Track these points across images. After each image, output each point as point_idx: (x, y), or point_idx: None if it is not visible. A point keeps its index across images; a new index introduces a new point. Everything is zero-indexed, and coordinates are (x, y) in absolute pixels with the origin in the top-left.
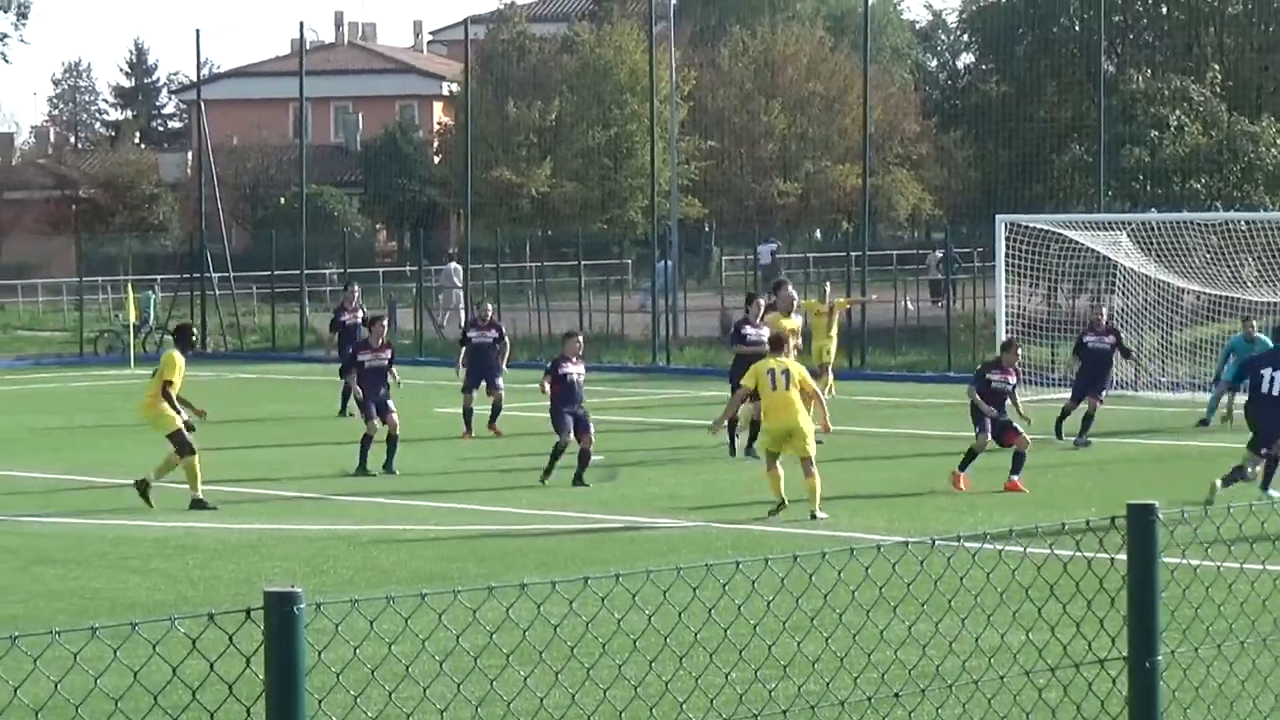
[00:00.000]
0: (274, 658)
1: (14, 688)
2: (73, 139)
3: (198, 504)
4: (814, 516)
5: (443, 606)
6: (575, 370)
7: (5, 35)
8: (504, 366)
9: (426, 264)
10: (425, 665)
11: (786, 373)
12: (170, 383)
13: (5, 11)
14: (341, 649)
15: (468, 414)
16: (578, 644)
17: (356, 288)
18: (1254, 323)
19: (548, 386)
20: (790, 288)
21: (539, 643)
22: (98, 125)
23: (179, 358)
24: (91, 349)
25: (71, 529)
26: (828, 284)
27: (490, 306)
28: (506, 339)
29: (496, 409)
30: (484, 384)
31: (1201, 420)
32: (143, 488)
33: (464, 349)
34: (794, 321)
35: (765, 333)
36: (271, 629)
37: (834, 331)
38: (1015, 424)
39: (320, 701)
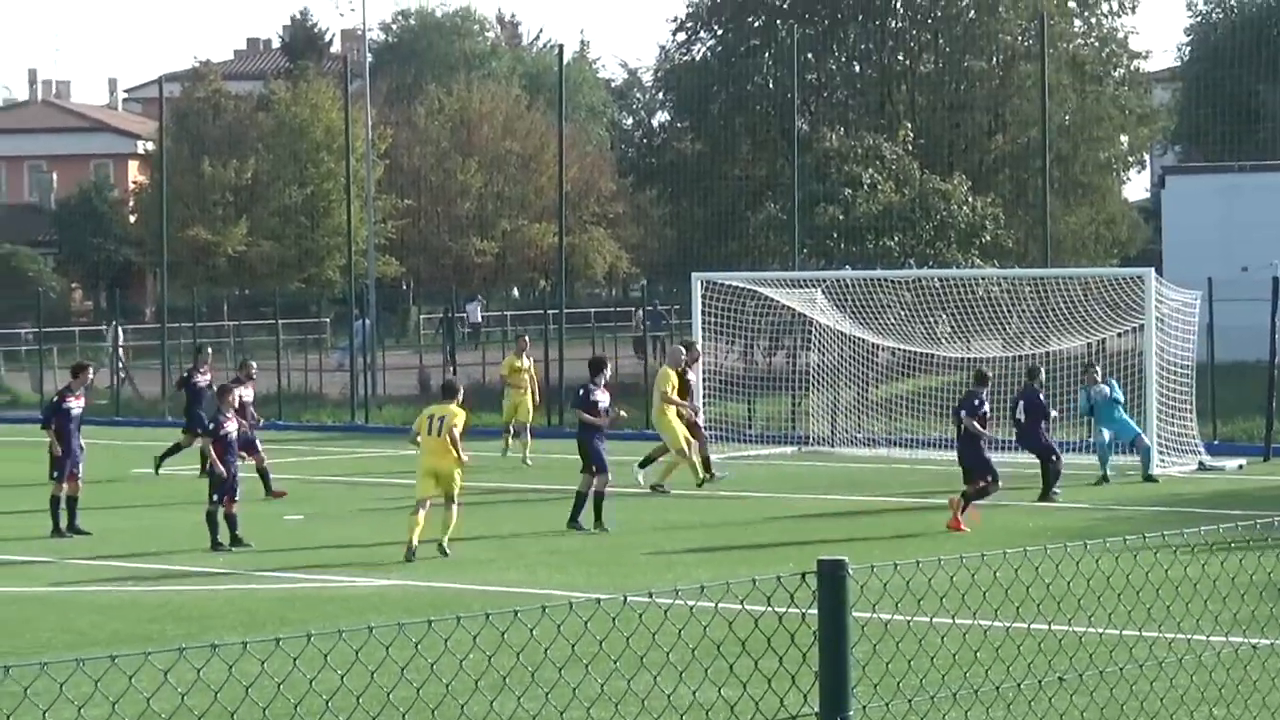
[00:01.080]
0: None
1: None
2: None
3: None
4: (442, 549)
5: (134, 668)
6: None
7: None
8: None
9: (124, 323)
10: None
11: (442, 419)
12: None
13: None
14: (30, 713)
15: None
16: (270, 704)
17: (209, 349)
18: (1097, 370)
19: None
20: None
21: (231, 704)
22: None
23: None
24: None
25: None
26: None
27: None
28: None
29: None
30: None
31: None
32: None
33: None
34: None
35: (607, 397)
36: None
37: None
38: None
39: None
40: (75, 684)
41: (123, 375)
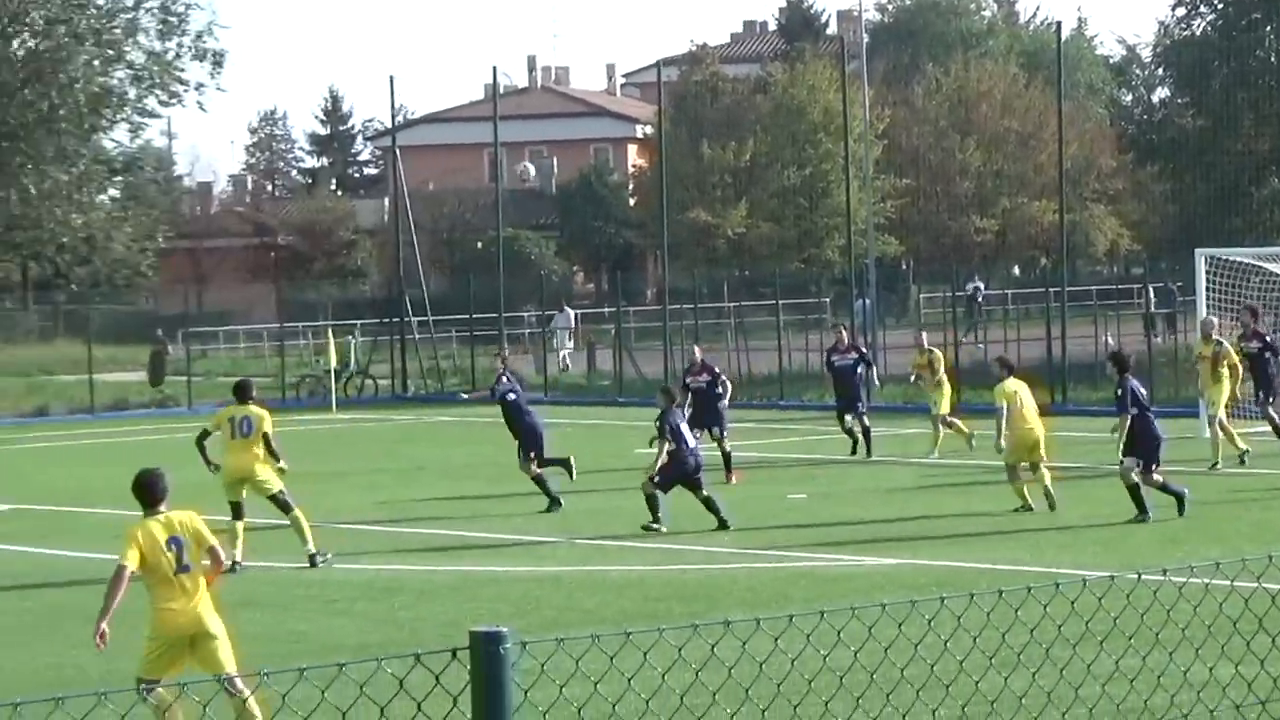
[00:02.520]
0: (481, 697)
1: None
2: (270, 187)
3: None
4: (1051, 500)
5: (648, 645)
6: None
7: (201, 84)
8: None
9: (625, 305)
10: (631, 704)
11: (1018, 392)
12: (270, 438)
13: (201, 61)
14: (548, 689)
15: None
16: (783, 681)
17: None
18: None
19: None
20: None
21: (745, 680)
22: (294, 173)
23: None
24: (294, 394)
25: (277, 573)
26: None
27: (699, 350)
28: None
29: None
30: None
31: None
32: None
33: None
34: (1207, 347)
35: None
36: (478, 669)
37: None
38: None
39: None
40: (591, 658)
41: (563, 363)
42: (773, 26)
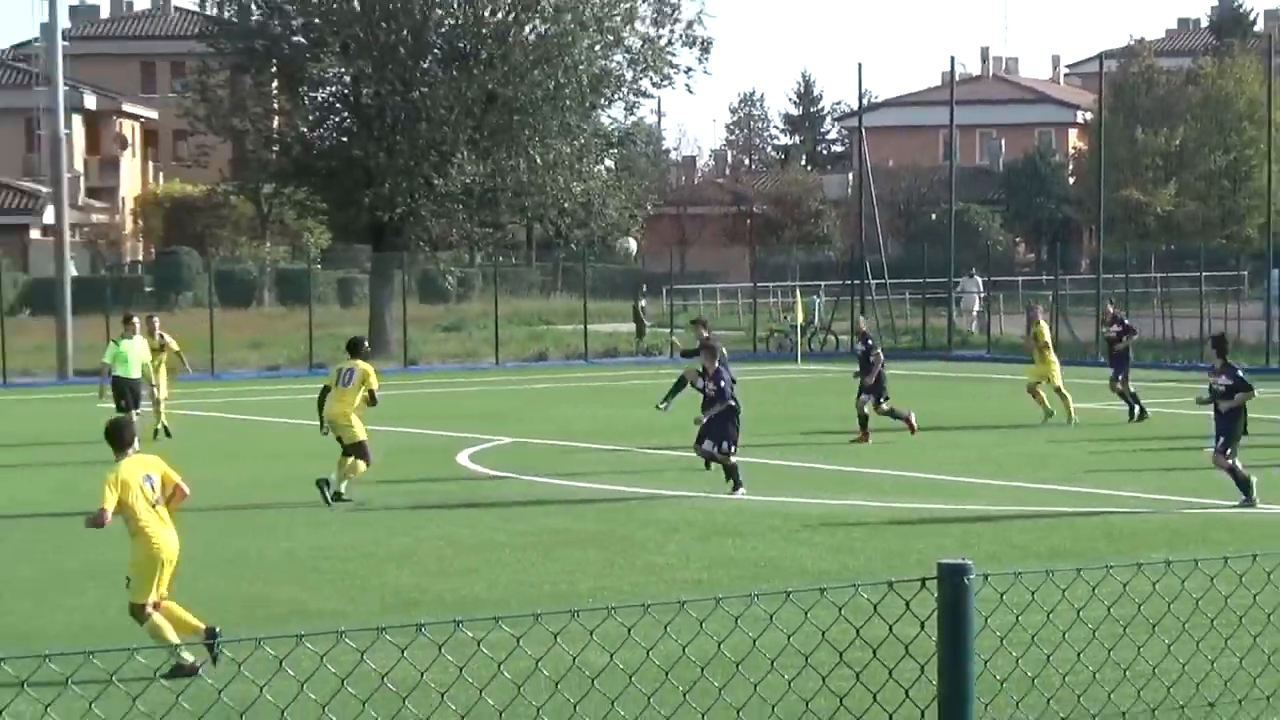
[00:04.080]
0: (947, 623)
1: (718, 643)
2: (747, 161)
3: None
4: None
5: (1095, 580)
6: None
7: (690, 68)
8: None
9: (1062, 274)
10: (1079, 634)
11: None
12: (374, 391)
13: (690, 47)
14: (1004, 617)
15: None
16: (1217, 616)
17: None
18: None
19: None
20: None
21: (1183, 614)
22: (769, 149)
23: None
24: (763, 346)
25: (747, 504)
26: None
27: (863, 321)
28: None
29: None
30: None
31: None
32: (322, 486)
33: None
34: None
35: None
36: (945, 597)
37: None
38: None
39: (985, 663)
40: (1041, 592)
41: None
42: (1204, 24)
